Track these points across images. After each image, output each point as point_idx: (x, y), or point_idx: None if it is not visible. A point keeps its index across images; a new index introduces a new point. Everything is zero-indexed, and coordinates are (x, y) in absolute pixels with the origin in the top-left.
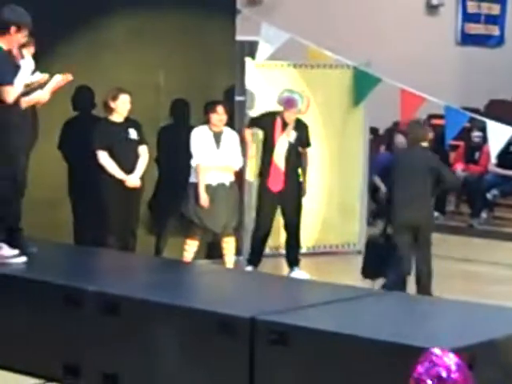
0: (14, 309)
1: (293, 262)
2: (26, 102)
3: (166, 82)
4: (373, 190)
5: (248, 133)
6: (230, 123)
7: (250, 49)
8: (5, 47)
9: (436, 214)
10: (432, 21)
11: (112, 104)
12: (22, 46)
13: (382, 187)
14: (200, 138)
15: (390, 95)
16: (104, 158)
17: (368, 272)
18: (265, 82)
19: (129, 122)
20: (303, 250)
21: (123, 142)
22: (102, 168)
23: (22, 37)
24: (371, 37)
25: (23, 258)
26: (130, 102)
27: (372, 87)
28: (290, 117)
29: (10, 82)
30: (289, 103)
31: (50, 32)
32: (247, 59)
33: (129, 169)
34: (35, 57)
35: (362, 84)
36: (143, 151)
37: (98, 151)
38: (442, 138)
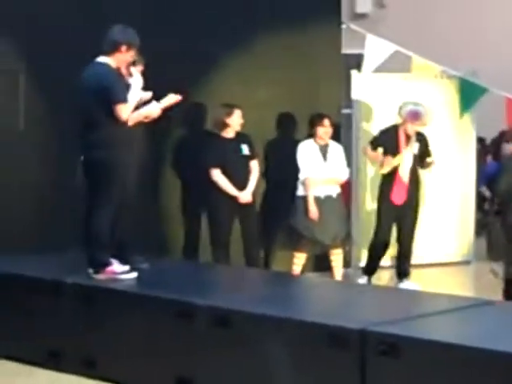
0: (126, 324)
1: (403, 273)
2: (134, 118)
3: (272, 97)
4: (480, 201)
5: (371, 155)
6: (336, 136)
7: (356, 61)
8: (114, 65)
9: None
10: None
11: (228, 120)
12: (132, 64)
13: (490, 197)
14: (307, 152)
15: (496, 104)
16: (217, 175)
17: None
18: (372, 94)
19: (240, 136)
20: (413, 261)
21: (236, 159)
22: (214, 185)
23: (130, 56)
24: (476, 46)
25: (134, 274)
26: (242, 117)
27: (478, 97)
28: (413, 129)
29: (124, 100)
30: (414, 116)
31: (158, 51)
32: (353, 72)
33: (241, 184)
34: (144, 74)
35: (469, 94)
36: (254, 166)
37: (211, 169)
38: None
